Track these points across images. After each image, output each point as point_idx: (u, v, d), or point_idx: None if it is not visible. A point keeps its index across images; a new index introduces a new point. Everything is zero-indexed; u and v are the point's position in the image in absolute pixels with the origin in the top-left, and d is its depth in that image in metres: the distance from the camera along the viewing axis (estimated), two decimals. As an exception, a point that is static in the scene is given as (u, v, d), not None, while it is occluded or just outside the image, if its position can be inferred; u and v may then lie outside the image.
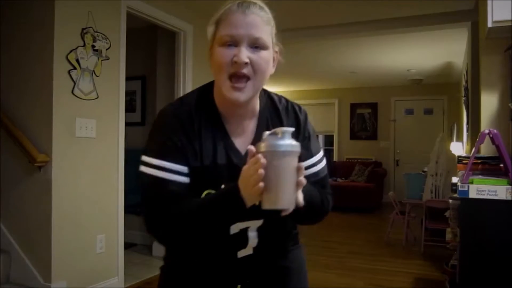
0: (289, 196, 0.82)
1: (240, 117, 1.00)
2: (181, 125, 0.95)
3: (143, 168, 0.96)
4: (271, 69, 0.99)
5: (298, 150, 0.83)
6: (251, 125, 1.02)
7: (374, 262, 3.87)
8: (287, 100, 1.09)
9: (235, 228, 0.97)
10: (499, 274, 1.92)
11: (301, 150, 0.85)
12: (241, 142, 0.99)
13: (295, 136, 0.95)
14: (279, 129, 0.82)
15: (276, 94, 1.10)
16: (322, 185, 1.05)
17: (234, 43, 0.91)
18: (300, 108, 1.10)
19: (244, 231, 1.00)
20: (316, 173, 1.05)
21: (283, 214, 0.84)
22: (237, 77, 0.92)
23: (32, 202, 2.65)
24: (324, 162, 1.09)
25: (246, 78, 0.92)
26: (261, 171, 0.78)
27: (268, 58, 0.95)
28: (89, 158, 2.83)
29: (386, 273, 3.53)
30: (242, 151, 0.98)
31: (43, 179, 2.60)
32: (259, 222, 1.00)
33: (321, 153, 1.09)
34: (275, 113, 1.05)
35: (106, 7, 2.94)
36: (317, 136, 0.99)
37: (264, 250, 1.03)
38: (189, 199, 0.93)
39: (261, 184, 0.79)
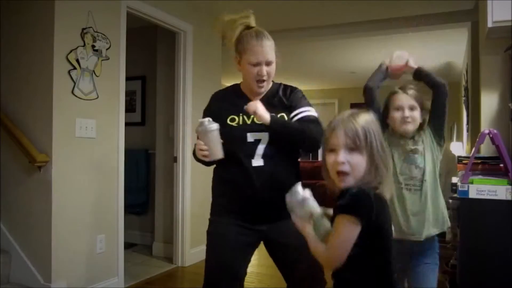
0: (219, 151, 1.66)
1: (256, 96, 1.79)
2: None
3: None
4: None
5: (217, 128, 1.66)
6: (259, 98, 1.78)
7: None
8: (286, 86, 1.84)
9: (250, 137, 1.70)
10: (499, 274, 1.92)
11: (290, 103, 1.77)
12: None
13: (287, 99, 1.78)
14: (206, 119, 1.66)
15: (284, 84, 1.84)
16: (310, 121, 1.72)
17: (257, 64, 1.69)
18: (291, 87, 1.83)
19: (258, 142, 1.69)
20: (302, 117, 1.72)
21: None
22: (261, 81, 1.72)
23: (32, 202, 2.65)
24: (310, 112, 1.75)
25: (264, 81, 1.73)
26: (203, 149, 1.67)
27: (274, 68, 1.74)
28: (89, 158, 2.83)
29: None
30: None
31: (43, 179, 2.60)
32: (266, 136, 1.68)
33: (307, 108, 1.75)
34: (276, 92, 1.80)
35: (106, 7, 2.94)
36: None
37: (270, 165, 1.68)
38: None
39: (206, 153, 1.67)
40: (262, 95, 1.78)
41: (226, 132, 1.70)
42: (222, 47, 4.21)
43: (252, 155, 1.69)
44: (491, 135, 2.03)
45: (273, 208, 1.67)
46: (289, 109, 1.74)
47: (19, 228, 2.72)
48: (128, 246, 3.88)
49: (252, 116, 1.70)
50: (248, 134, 1.70)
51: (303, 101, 1.78)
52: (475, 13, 3.63)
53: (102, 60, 2.91)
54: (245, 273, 1.80)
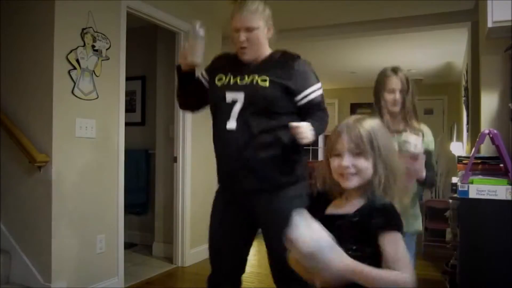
0: (198, 56, 1.76)
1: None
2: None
3: None
4: (264, 37, 1.71)
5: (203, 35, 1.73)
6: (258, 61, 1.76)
7: (374, 262, 3.86)
8: (287, 55, 1.73)
9: (229, 98, 1.67)
10: (499, 274, 1.92)
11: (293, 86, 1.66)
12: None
13: (285, 71, 1.68)
14: (197, 24, 1.71)
15: (285, 53, 1.74)
16: (318, 108, 1.69)
17: (237, 30, 1.67)
18: (292, 58, 1.71)
19: (235, 103, 1.66)
20: (309, 101, 1.69)
21: None
22: (241, 48, 1.69)
23: (32, 202, 2.65)
24: (316, 93, 1.69)
25: (245, 48, 1.68)
26: None
27: (258, 34, 1.68)
28: (89, 158, 2.83)
29: (386, 273, 3.52)
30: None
31: (43, 179, 2.60)
32: (241, 96, 1.65)
33: (312, 88, 1.68)
34: (272, 60, 1.73)
35: (106, 7, 2.94)
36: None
37: (244, 129, 1.63)
38: None
39: None
40: (259, 61, 1.74)
41: (211, 92, 1.75)
42: (222, 47, 4.20)
43: (228, 117, 1.67)
44: (491, 135, 2.03)
45: (249, 177, 1.64)
46: (287, 82, 1.67)
47: (19, 228, 2.72)
48: (128, 246, 3.87)
49: (238, 76, 1.70)
50: (227, 94, 1.68)
51: (309, 79, 1.71)
52: (475, 13, 3.63)
53: (102, 60, 2.91)
54: (247, 253, 1.82)
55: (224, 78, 1.73)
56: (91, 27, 2.81)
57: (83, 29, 2.75)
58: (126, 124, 3.17)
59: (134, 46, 3.43)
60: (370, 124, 1.15)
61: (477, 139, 2.08)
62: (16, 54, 2.75)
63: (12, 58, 2.77)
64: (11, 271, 2.71)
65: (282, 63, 1.71)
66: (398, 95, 1.92)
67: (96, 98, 2.86)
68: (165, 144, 4.04)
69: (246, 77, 1.69)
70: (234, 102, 1.67)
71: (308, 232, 0.93)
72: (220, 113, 1.71)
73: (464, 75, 4.92)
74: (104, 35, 2.91)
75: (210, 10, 3.97)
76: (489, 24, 2.25)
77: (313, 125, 1.62)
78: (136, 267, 3.64)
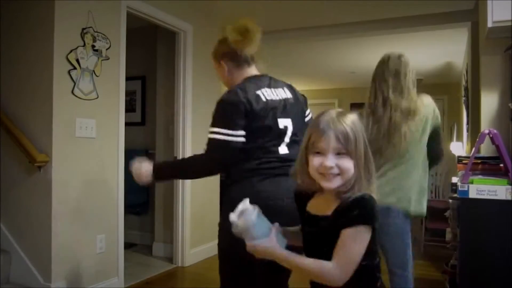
0: None
1: None
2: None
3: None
4: (222, 75, 1.81)
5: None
6: None
7: (374, 262, 3.85)
8: (235, 87, 1.62)
9: None
10: (499, 274, 1.92)
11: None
12: None
13: None
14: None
15: (238, 85, 1.63)
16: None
17: None
18: (227, 92, 1.62)
19: None
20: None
21: None
22: None
23: (32, 202, 2.65)
24: (209, 136, 1.55)
25: None
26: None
27: (218, 73, 1.84)
28: (89, 158, 2.83)
29: (386, 273, 3.52)
30: None
31: (43, 179, 2.60)
32: None
33: (209, 130, 1.56)
34: None
35: (106, 7, 2.94)
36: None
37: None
38: None
39: None
40: None
41: None
42: (222, 47, 4.21)
43: None
44: (491, 135, 2.03)
45: None
46: None
47: (19, 228, 2.72)
48: (128, 246, 3.87)
49: None
50: None
51: (215, 116, 1.61)
52: (475, 13, 3.63)
53: (102, 60, 2.91)
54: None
55: None
56: (91, 27, 2.81)
57: (83, 29, 2.75)
58: (126, 124, 3.17)
59: (134, 46, 3.43)
60: (352, 119, 1.08)
61: (477, 139, 2.08)
62: (16, 54, 2.75)
63: (12, 58, 2.77)
64: (11, 271, 2.71)
65: None
66: None
67: (96, 98, 2.86)
68: (165, 144, 4.04)
69: None
70: None
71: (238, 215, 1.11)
72: None
73: (464, 75, 4.92)
74: (104, 35, 2.91)
75: (210, 10, 3.97)
76: (489, 24, 2.26)
77: (159, 166, 1.69)
78: (136, 267, 3.64)
